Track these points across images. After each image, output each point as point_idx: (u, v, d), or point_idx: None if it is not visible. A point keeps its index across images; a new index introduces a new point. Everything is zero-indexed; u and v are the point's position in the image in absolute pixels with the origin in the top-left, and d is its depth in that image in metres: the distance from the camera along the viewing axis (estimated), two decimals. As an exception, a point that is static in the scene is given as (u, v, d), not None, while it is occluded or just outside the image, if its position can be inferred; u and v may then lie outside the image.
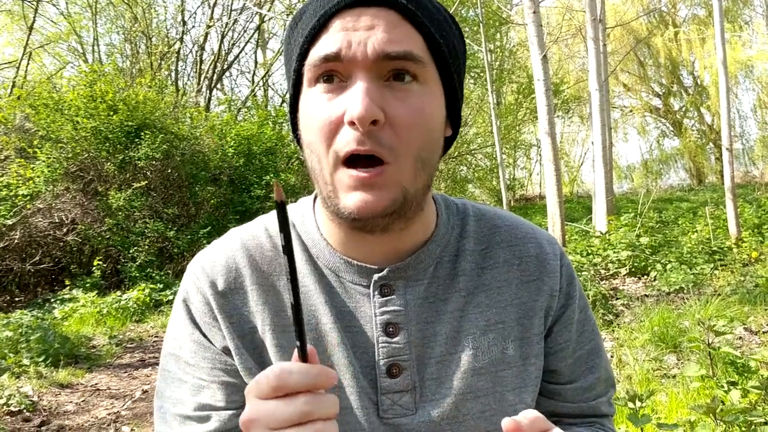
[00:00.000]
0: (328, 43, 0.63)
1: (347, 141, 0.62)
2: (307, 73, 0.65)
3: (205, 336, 0.73)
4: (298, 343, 0.54)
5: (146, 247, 8.06)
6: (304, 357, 0.54)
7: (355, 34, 0.62)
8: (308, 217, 0.78)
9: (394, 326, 0.72)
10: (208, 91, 15.68)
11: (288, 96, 0.70)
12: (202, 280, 0.74)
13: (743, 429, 1.96)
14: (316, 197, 0.79)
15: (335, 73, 0.63)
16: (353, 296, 0.73)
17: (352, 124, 0.61)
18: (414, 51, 0.63)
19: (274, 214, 0.81)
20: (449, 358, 0.73)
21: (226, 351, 0.72)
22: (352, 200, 0.63)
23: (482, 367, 0.73)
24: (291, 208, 0.81)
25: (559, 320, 0.79)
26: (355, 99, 0.60)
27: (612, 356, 4.00)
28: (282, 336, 0.72)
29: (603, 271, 6.84)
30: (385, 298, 0.72)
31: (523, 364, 0.76)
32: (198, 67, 15.99)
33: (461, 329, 0.74)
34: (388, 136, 0.62)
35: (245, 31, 16.85)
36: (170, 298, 7.07)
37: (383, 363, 0.71)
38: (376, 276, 0.72)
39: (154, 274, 7.76)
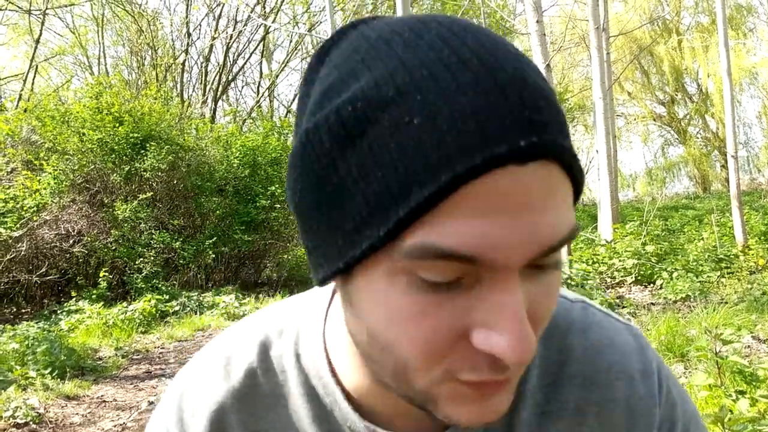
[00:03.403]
0: (458, 230, 0.36)
1: (473, 367, 0.41)
2: (405, 258, 0.37)
3: None
4: None
5: (152, 258, 8.10)
6: None
7: (504, 222, 0.36)
8: (317, 348, 0.56)
9: None
10: (213, 103, 15.78)
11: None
12: (184, 417, 0.60)
13: (752, 439, 1.95)
14: (330, 304, 0.56)
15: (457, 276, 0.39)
16: None
17: (491, 356, 0.40)
18: (576, 225, 0.41)
19: (273, 314, 0.62)
20: None
21: None
22: (465, 412, 0.44)
23: None
24: (291, 322, 0.59)
25: None
26: (504, 329, 0.38)
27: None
28: None
29: (609, 280, 6.82)
30: None
31: None
32: (203, 78, 16.11)
33: None
34: None
35: (250, 43, 17.01)
36: (176, 308, 7.08)
37: None
38: None
39: (160, 285, 7.78)
